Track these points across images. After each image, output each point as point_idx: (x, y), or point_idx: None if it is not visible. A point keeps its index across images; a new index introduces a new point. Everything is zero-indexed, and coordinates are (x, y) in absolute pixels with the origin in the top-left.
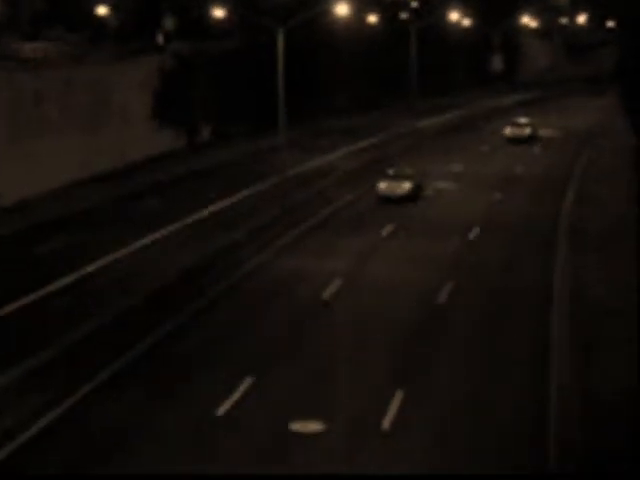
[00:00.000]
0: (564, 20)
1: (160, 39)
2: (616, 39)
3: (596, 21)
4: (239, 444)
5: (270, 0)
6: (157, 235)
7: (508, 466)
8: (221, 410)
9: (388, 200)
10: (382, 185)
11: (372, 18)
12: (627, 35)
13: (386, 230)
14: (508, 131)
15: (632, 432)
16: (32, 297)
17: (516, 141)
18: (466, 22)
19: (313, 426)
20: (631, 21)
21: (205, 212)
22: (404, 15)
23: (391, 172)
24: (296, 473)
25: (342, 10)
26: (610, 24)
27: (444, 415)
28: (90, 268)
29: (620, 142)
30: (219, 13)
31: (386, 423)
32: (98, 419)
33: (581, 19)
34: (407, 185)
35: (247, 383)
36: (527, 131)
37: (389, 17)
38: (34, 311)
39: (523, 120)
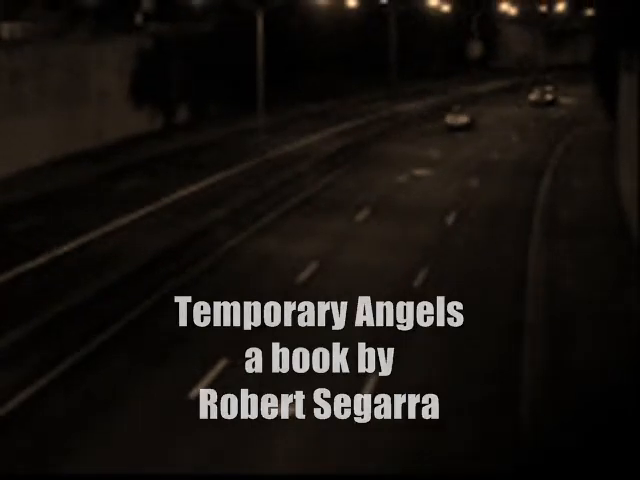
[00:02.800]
0: (543, 8)
1: (138, 19)
2: (593, 27)
3: (575, 9)
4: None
5: None
6: (133, 216)
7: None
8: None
9: (452, 128)
10: (448, 118)
11: (351, 2)
12: (603, 23)
13: (362, 214)
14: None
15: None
16: (4, 276)
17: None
18: (445, 8)
19: None
20: (606, 9)
21: (182, 193)
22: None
23: (456, 109)
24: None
25: None
26: (589, 12)
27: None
28: (64, 247)
29: (596, 129)
30: None
31: None
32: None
33: (560, 7)
34: (465, 118)
35: (221, 364)
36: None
37: (368, 1)
38: (5, 290)
39: (548, 88)
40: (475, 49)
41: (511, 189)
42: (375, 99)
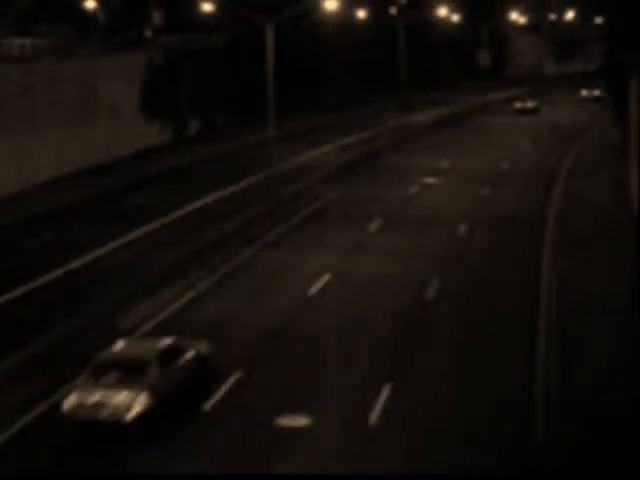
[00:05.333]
0: (553, 16)
1: (148, 33)
2: (603, 35)
3: (584, 17)
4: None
5: None
6: (145, 229)
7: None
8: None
9: (521, 112)
10: (517, 104)
11: (361, 13)
12: (612, 31)
13: (374, 225)
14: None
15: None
16: (18, 291)
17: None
18: (455, 17)
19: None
20: (616, 17)
21: (194, 206)
22: (393, 10)
23: (525, 98)
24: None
25: (331, 5)
26: (598, 20)
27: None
28: (76, 263)
29: (607, 138)
30: (207, 8)
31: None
32: None
33: (569, 15)
34: (533, 103)
35: (234, 377)
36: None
37: (378, 12)
38: (19, 305)
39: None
40: (485, 58)
41: (522, 198)
42: (385, 110)
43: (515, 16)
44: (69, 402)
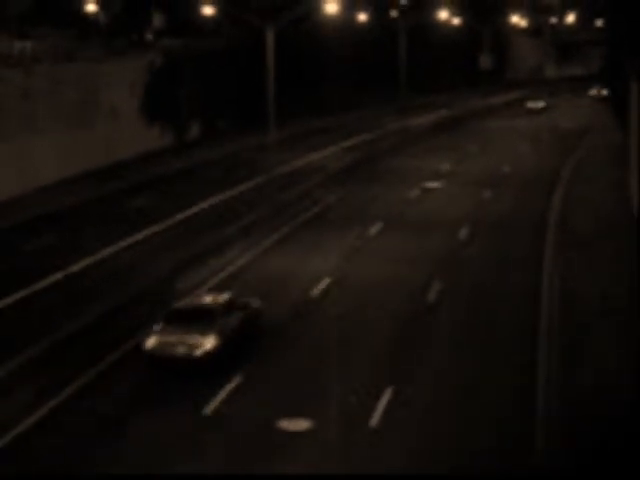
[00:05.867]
0: (553, 19)
1: (149, 36)
2: (604, 38)
3: (585, 20)
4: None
5: None
6: (145, 233)
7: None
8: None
9: (530, 111)
10: (529, 103)
11: (362, 16)
12: (613, 34)
13: (375, 228)
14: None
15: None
16: (18, 294)
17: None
18: (456, 21)
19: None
20: (617, 20)
21: (194, 210)
22: (394, 13)
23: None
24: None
25: (331, 8)
26: (599, 23)
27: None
28: (77, 266)
29: (608, 140)
30: (208, 11)
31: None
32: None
33: (570, 18)
34: (542, 103)
35: (235, 381)
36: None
37: (379, 15)
38: (20, 308)
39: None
40: (486, 61)
41: (523, 201)
42: (385, 113)
43: (516, 19)
44: (150, 342)
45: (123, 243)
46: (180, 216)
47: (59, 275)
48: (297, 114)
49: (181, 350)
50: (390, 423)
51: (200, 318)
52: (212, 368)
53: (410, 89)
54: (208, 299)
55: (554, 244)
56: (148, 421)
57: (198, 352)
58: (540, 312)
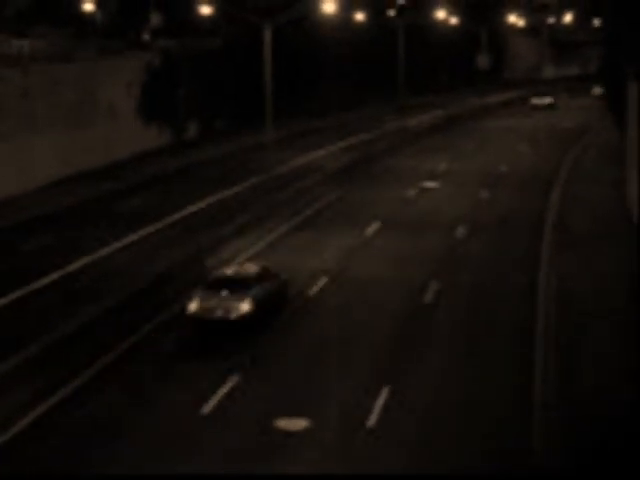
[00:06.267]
0: (551, 19)
1: (146, 36)
2: (602, 38)
3: (582, 20)
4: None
5: None
6: (142, 233)
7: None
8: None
9: (536, 108)
10: (534, 100)
11: (359, 16)
12: (611, 34)
13: (372, 228)
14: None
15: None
16: (15, 294)
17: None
18: (453, 20)
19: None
20: (615, 20)
21: (192, 209)
22: (391, 13)
23: (540, 96)
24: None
25: (329, 8)
26: (596, 23)
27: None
28: (74, 265)
29: (605, 140)
30: (206, 10)
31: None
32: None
33: (568, 18)
34: (549, 100)
35: (233, 381)
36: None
37: (376, 15)
38: (16, 308)
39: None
40: (483, 61)
41: (521, 201)
42: (383, 112)
43: (513, 19)
44: (192, 306)
45: (119, 244)
46: (176, 216)
47: (55, 275)
48: (295, 114)
49: (219, 313)
50: (387, 423)
51: (236, 285)
52: (245, 330)
53: (408, 89)
54: (244, 269)
55: (552, 243)
56: (146, 421)
57: (234, 315)
58: (538, 311)
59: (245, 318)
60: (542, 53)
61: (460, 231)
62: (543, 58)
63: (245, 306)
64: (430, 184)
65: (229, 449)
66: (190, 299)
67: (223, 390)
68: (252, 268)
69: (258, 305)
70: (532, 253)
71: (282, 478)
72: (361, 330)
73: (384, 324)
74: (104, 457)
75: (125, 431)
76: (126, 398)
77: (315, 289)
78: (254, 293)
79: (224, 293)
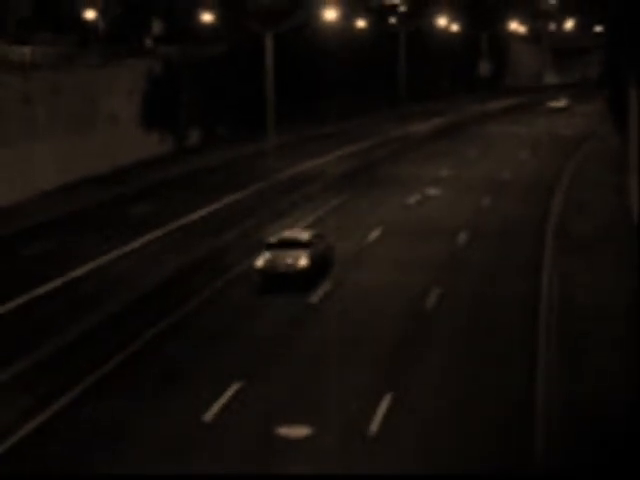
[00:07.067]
0: (552, 25)
1: (148, 43)
2: (603, 44)
3: (583, 26)
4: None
5: (258, 4)
6: (144, 239)
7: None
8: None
9: (551, 110)
10: (550, 103)
11: (360, 23)
12: (612, 40)
13: (374, 235)
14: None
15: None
16: (18, 300)
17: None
18: (455, 27)
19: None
20: (616, 26)
21: (194, 217)
22: (393, 20)
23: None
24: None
25: (330, 15)
26: (597, 29)
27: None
28: (77, 272)
29: (607, 146)
30: (207, 18)
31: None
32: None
33: (569, 24)
34: (564, 102)
35: (235, 387)
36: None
37: (377, 22)
38: (20, 315)
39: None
40: (485, 68)
41: (522, 207)
42: (385, 119)
43: (515, 25)
44: (259, 262)
45: (119, 252)
46: (178, 223)
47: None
48: (297, 120)
49: (282, 266)
50: (389, 430)
51: (296, 246)
52: (303, 282)
53: (409, 96)
54: (301, 233)
55: (553, 250)
56: (148, 428)
57: (295, 268)
58: (539, 318)
59: (303, 271)
60: (543, 60)
61: (462, 237)
62: (544, 65)
63: (303, 261)
64: (432, 191)
65: (230, 457)
66: (257, 257)
67: (225, 397)
68: (307, 232)
69: (313, 261)
70: (534, 260)
71: (282, 478)
72: (363, 336)
73: (386, 330)
74: (105, 460)
75: (126, 438)
76: (128, 405)
77: (317, 296)
78: (310, 252)
79: (286, 251)
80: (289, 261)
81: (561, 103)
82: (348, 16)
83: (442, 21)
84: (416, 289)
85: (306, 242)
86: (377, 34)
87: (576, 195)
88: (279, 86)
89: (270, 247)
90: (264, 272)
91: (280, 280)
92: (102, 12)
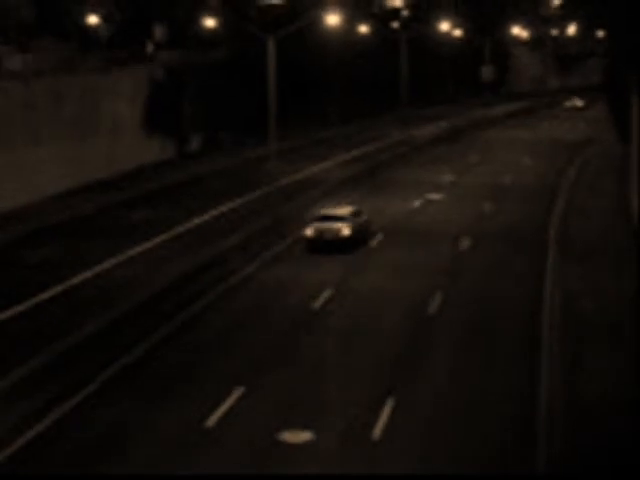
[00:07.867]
0: (554, 31)
1: (150, 49)
2: (605, 50)
3: (585, 32)
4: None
5: (260, 9)
6: (147, 245)
7: None
8: (210, 421)
9: (569, 109)
10: (567, 102)
11: (363, 28)
12: (615, 46)
13: (376, 240)
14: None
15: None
16: (21, 306)
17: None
18: (457, 32)
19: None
20: (619, 32)
21: (196, 222)
22: (395, 25)
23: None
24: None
25: (333, 20)
26: (599, 35)
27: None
28: (78, 278)
29: (609, 152)
30: (209, 23)
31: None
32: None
33: (571, 30)
34: (580, 102)
35: (237, 393)
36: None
37: (380, 27)
38: (23, 320)
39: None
40: (487, 73)
41: (524, 213)
42: (387, 124)
43: (517, 31)
44: (307, 231)
45: (122, 256)
46: (179, 229)
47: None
48: (299, 125)
49: (329, 235)
50: (392, 434)
51: (339, 218)
52: (347, 248)
53: (412, 100)
54: (343, 208)
55: (555, 256)
56: (149, 434)
57: (340, 235)
58: (541, 324)
59: (347, 239)
60: (546, 65)
61: (464, 243)
62: (547, 70)
63: (346, 231)
64: (434, 196)
65: (232, 462)
66: (305, 226)
67: (227, 402)
68: (349, 208)
69: (354, 232)
70: (535, 265)
71: (282, 478)
72: (365, 342)
73: (387, 334)
74: (105, 463)
75: (128, 443)
76: (130, 410)
77: (319, 302)
78: (351, 223)
79: (331, 222)
80: (334, 230)
81: (579, 102)
82: (350, 21)
83: (445, 26)
84: (418, 294)
85: (348, 216)
86: (380, 39)
87: (577, 201)
88: (281, 91)
89: (318, 219)
90: (313, 239)
91: (326, 246)
92: (104, 18)
